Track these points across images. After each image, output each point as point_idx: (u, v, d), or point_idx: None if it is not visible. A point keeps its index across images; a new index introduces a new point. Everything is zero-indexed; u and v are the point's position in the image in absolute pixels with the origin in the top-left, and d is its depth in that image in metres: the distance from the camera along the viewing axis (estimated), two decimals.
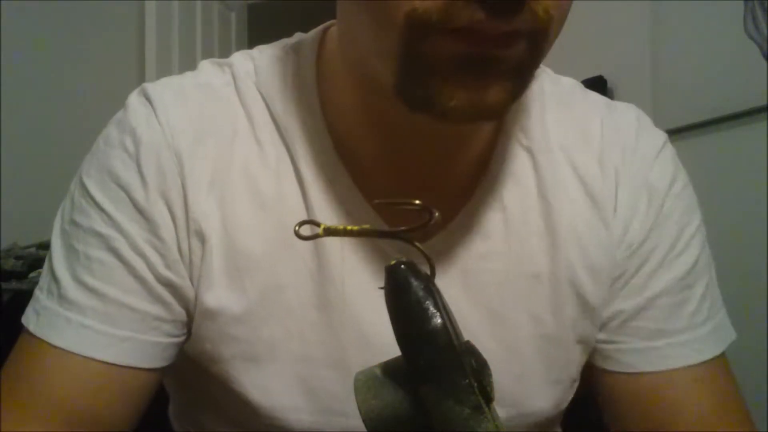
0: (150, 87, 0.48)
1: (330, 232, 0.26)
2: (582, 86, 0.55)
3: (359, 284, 0.46)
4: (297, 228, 0.30)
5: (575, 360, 0.51)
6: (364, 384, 0.29)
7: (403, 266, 0.28)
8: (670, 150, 0.52)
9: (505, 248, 0.48)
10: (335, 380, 0.47)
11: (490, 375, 0.28)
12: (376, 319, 0.46)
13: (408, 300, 0.27)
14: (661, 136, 0.53)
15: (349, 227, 0.28)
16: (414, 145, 0.46)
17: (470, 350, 0.28)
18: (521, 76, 0.38)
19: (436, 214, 0.29)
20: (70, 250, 0.46)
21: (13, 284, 1.83)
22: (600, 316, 0.51)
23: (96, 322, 0.44)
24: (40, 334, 0.44)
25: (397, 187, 0.47)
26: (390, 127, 0.45)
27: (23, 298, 1.78)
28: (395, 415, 0.28)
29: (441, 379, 0.26)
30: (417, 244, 0.30)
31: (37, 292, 0.47)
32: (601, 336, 0.51)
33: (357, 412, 0.46)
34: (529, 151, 0.49)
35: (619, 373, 0.51)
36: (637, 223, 0.49)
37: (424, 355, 0.26)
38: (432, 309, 0.27)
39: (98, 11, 2.47)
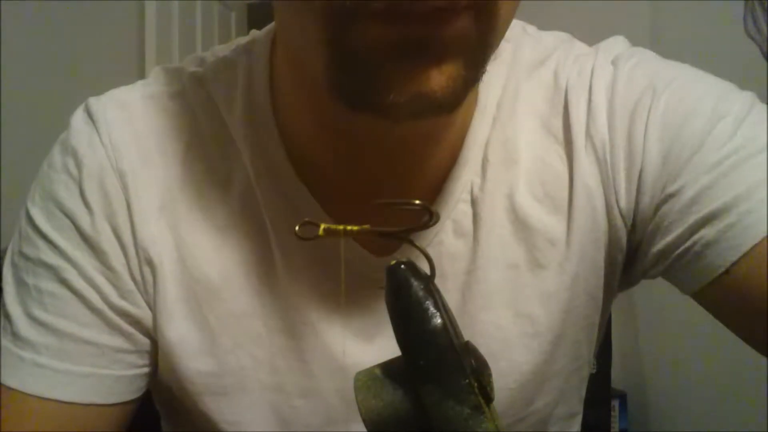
0: (93, 103, 0.45)
1: (330, 232, 0.26)
2: (569, 39, 0.48)
3: (323, 308, 0.44)
4: (297, 228, 0.30)
5: (583, 343, 0.47)
6: (364, 384, 0.29)
7: (403, 266, 0.28)
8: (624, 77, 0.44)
9: (475, 244, 0.44)
10: (308, 410, 0.45)
11: (490, 375, 0.28)
12: (345, 342, 0.44)
13: (408, 300, 0.27)
14: (609, 69, 0.44)
15: (348, 227, 0.28)
16: (373, 149, 0.41)
17: (470, 350, 0.28)
18: (470, 59, 0.32)
19: (437, 213, 0.29)
20: (21, 284, 0.43)
21: None
22: (614, 283, 0.45)
23: (52, 360, 0.41)
24: None
25: (360, 195, 0.41)
26: (343, 132, 0.40)
27: None
28: (395, 415, 0.28)
29: (441, 379, 0.26)
30: (417, 244, 0.30)
31: None
32: (665, 254, 0.42)
33: None
34: (496, 121, 0.44)
35: (720, 277, 0.39)
36: (649, 165, 0.41)
37: (424, 355, 0.26)
38: (432, 309, 0.27)
39: (98, 11, 2.47)
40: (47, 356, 0.41)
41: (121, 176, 0.42)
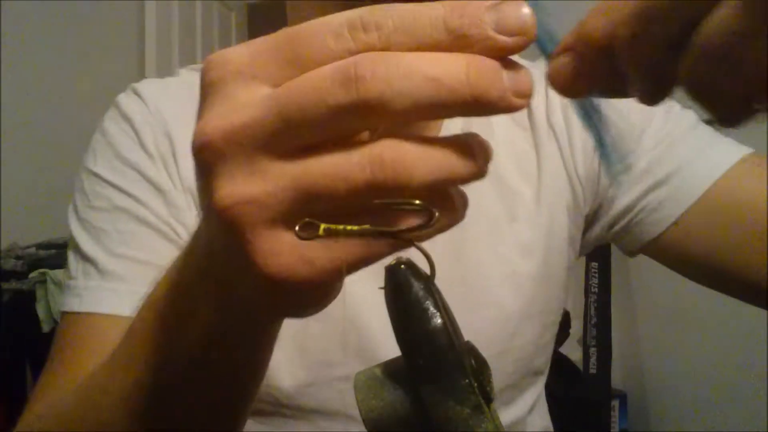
0: (137, 85, 0.56)
1: (330, 232, 0.26)
2: None
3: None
4: (297, 228, 0.30)
5: (554, 300, 0.56)
6: (364, 384, 0.29)
7: (403, 266, 0.28)
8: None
9: None
10: (321, 333, 0.51)
11: (490, 375, 0.28)
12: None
13: (408, 300, 0.27)
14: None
15: (349, 227, 0.28)
16: None
17: (470, 350, 0.28)
18: None
19: (437, 214, 0.29)
20: (98, 232, 0.50)
21: (13, 284, 1.83)
22: (577, 244, 0.57)
23: (141, 287, 0.45)
24: (88, 309, 0.48)
25: None
26: None
27: (23, 298, 1.79)
28: (395, 415, 0.28)
29: (441, 379, 0.26)
30: (417, 244, 0.30)
31: (70, 284, 0.51)
32: (622, 207, 0.55)
33: (343, 361, 0.53)
34: None
35: (666, 231, 0.52)
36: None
37: (424, 355, 0.26)
38: (432, 309, 0.27)
39: (98, 11, 2.47)
40: (139, 284, 0.47)
41: (167, 134, 0.52)
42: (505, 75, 0.20)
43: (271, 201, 0.21)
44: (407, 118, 0.20)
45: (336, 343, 0.52)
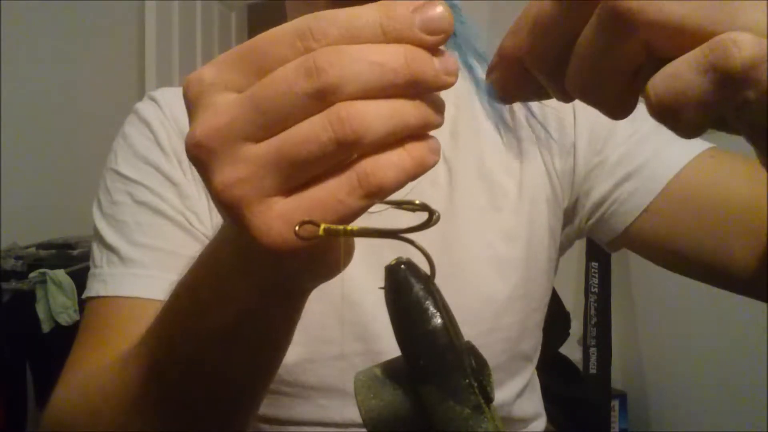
0: (153, 93, 0.62)
1: (330, 232, 0.26)
2: None
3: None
4: (296, 228, 0.30)
5: (538, 288, 0.60)
6: (364, 384, 0.29)
7: (403, 266, 0.28)
8: None
9: (452, 190, 0.58)
10: (321, 312, 0.55)
11: (490, 375, 0.28)
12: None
13: (408, 300, 0.27)
14: None
15: (348, 227, 0.28)
16: None
17: (470, 350, 0.28)
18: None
19: (437, 213, 0.29)
20: (120, 224, 0.55)
21: (13, 284, 1.83)
22: (558, 237, 0.61)
23: (159, 272, 0.52)
24: (113, 293, 0.52)
25: None
26: None
27: (23, 298, 1.79)
28: (395, 415, 0.28)
29: (441, 379, 0.26)
30: (418, 244, 0.30)
31: (95, 272, 0.55)
32: (596, 199, 0.59)
33: (340, 339, 0.55)
34: (458, 108, 0.60)
35: (638, 219, 0.56)
36: (580, 144, 0.59)
37: (424, 355, 0.26)
38: (432, 309, 0.27)
39: (98, 11, 2.47)
40: (154, 269, 0.53)
41: (180, 128, 0.58)
42: (435, 60, 0.24)
43: (257, 178, 0.24)
44: (363, 98, 0.24)
45: (334, 322, 0.56)
